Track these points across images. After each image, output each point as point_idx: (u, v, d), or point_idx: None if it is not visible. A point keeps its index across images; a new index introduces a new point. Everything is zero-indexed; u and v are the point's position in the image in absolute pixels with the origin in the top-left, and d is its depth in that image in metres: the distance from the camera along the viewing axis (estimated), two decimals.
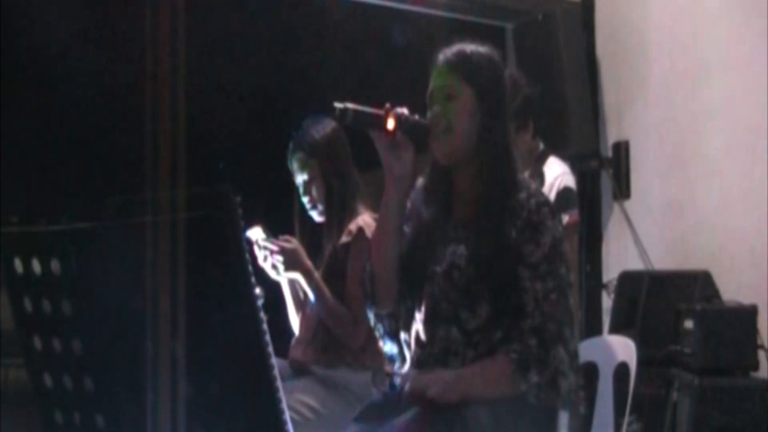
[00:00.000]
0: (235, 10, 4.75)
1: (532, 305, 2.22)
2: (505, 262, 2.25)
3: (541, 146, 3.87)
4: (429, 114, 2.35)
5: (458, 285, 2.27)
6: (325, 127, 3.12)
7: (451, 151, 2.33)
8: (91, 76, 4.29)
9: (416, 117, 2.32)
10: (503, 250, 2.25)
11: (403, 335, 2.39)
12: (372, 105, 2.29)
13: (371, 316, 2.40)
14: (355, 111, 2.26)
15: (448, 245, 2.32)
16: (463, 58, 2.36)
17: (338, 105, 2.25)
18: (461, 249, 2.29)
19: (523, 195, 2.29)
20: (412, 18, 5.01)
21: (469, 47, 2.39)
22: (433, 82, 2.37)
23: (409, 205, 2.42)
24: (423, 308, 2.33)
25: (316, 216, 3.13)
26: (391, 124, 2.26)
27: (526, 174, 2.44)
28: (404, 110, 2.29)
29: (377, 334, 2.42)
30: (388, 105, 2.28)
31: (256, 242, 2.95)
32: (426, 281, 2.32)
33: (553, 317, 2.21)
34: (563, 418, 2.44)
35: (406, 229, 2.40)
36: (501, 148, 2.34)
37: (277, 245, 2.94)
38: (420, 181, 2.46)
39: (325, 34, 4.96)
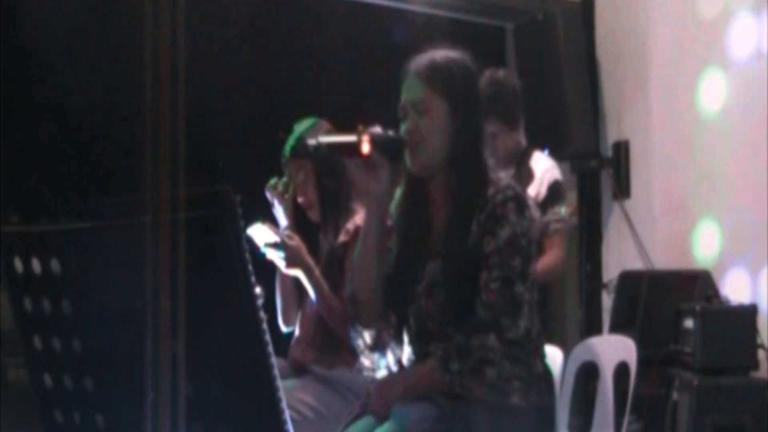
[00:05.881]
0: (234, 10, 4.75)
1: (478, 293, 2.22)
2: (476, 267, 2.24)
3: (524, 143, 3.86)
4: (402, 128, 2.32)
5: (439, 301, 2.27)
6: (318, 129, 3.13)
7: (424, 164, 2.31)
8: (91, 76, 4.29)
9: (389, 133, 2.30)
10: (473, 256, 2.24)
11: (395, 352, 2.40)
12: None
13: (352, 333, 2.41)
14: (329, 144, 2.26)
15: (429, 261, 2.32)
16: (434, 69, 2.32)
17: (311, 141, 2.26)
18: (438, 264, 2.29)
19: (491, 191, 2.27)
20: (412, 18, 5.01)
21: (440, 55, 2.35)
22: (405, 96, 2.33)
23: (391, 221, 2.41)
24: (411, 326, 2.33)
25: (313, 216, 3.14)
26: (366, 147, 2.23)
27: (505, 173, 2.42)
28: (377, 129, 2.28)
29: (357, 350, 2.44)
30: (360, 127, 2.25)
31: (258, 239, 2.95)
32: (411, 301, 2.32)
33: (488, 306, 2.20)
34: (563, 419, 2.44)
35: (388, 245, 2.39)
36: (473, 157, 2.32)
37: (281, 240, 2.94)
38: (398, 193, 2.44)
39: (325, 33, 4.95)
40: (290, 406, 1.87)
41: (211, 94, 4.52)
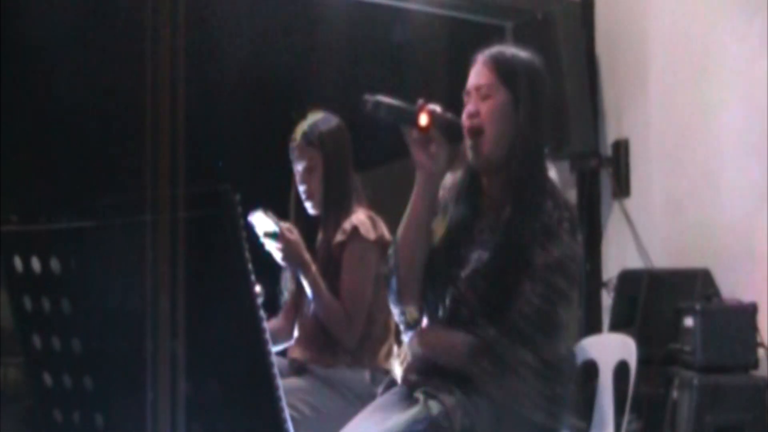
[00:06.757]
0: (234, 6, 4.75)
1: (516, 302, 2.19)
2: (522, 270, 2.22)
3: None
4: (464, 113, 2.32)
5: (479, 291, 2.25)
6: (331, 120, 3.13)
7: (481, 152, 2.29)
8: (91, 76, 4.30)
9: (449, 115, 2.29)
10: (521, 258, 2.22)
11: None
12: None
13: (395, 310, 2.39)
14: (389, 105, 2.22)
15: (474, 250, 2.30)
16: (502, 59, 2.33)
17: (369, 98, 2.22)
18: (485, 255, 2.27)
19: (549, 204, 2.26)
20: (412, 16, 5.01)
21: (510, 50, 2.37)
22: (470, 81, 2.34)
23: (442, 203, 2.40)
24: (445, 309, 2.32)
25: (310, 208, 3.12)
26: (424, 120, 2.22)
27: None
28: (437, 107, 2.26)
29: (401, 328, 2.42)
30: (421, 100, 2.24)
31: (258, 228, 2.93)
32: (450, 284, 2.30)
33: (528, 319, 2.17)
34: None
35: (433, 226, 2.37)
36: (534, 156, 2.31)
37: (280, 232, 2.92)
38: (448, 178, 2.42)
39: (325, 31, 4.96)
40: (290, 405, 1.87)
41: (210, 92, 4.52)
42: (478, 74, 2.33)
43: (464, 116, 2.31)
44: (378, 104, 2.21)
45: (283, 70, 4.93)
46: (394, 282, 2.34)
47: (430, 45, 5.17)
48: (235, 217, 1.49)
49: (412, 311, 2.36)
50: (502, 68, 2.31)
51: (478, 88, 2.31)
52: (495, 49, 2.36)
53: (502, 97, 2.30)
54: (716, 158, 4.20)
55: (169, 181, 1.69)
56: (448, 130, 2.27)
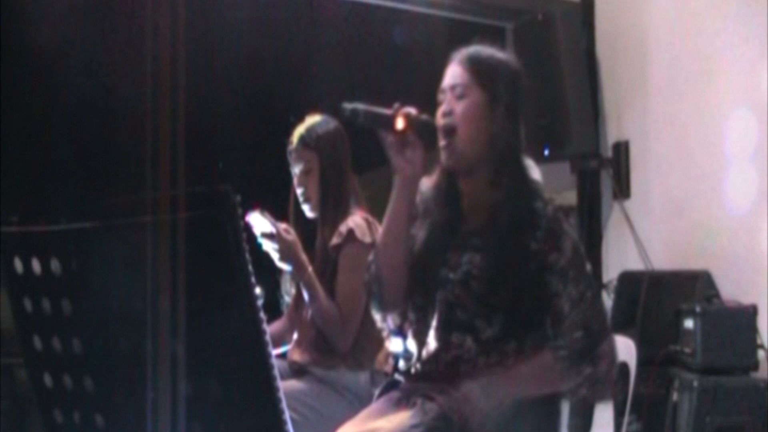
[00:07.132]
0: (234, 7, 4.75)
1: (569, 308, 2.20)
2: (526, 272, 2.21)
3: None
4: (438, 112, 2.30)
5: (476, 294, 2.23)
6: (328, 123, 3.14)
7: (455, 152, 2.27)
8: (92, 76, 4.30)
9: (425, 117, 2.27)
10: (523, 260, 2.22)
11: (411, 339, 2.36)
12: (373, 104, 2.27)
13: (377, 316, 2.37)
14: (366, 111, 2.22)
15: (463, 253, 2.28)
16: (477, 59, 2.31)
17: (347, 105, 2.21)
18: (477, 258, 2.25)
19: (539, 204, 2.26)
20: (412, 18, 5.02)
21: (486, 50, 2.35)
22: (445, 81, 2.32)
23: (421, 207, 2.38)
24: (436, 314, 2.29)
25: (308, 210, 3.13)
26: (400, 123, 2.22)
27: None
28: (413, 110, 2.24)
29: (384, 333, 2.41)
30: (396, 105, 2.23)
31: (256, 229, 2.93)
32: (439, 287, 2.28)
33: (595, 314, 2.22)
34: (563, 419, 2.44)
35: (413, 231, 2.35)
36: (512, 156, 2.30)
37: (277, 232, 2.92)
38: (425, 181, 2.40)
39: (325, 32, 4.96)
40: (290, 407, 1.87)
41: (210, 94, 4.52)
42: (453, 74, 2.31)
43: (438, 115, 2.29)
44: (355, 111, 2.22)
45: (282, 72, 4.94)
46: (376, 288, 2.33)
47: (430, 46, 5.17)
48: (235, 217, 1.49)
49: (395, 317, 2.35)
50: (478, 68, 2.29)
51: (452, 88, 2.30)
52: (471, 49, 2.34)
53: (477, 97, 2.28)
54: (716, 159, 4.20)
55: (169, 182, 1.69)
56: (425, 133, 2.26)
